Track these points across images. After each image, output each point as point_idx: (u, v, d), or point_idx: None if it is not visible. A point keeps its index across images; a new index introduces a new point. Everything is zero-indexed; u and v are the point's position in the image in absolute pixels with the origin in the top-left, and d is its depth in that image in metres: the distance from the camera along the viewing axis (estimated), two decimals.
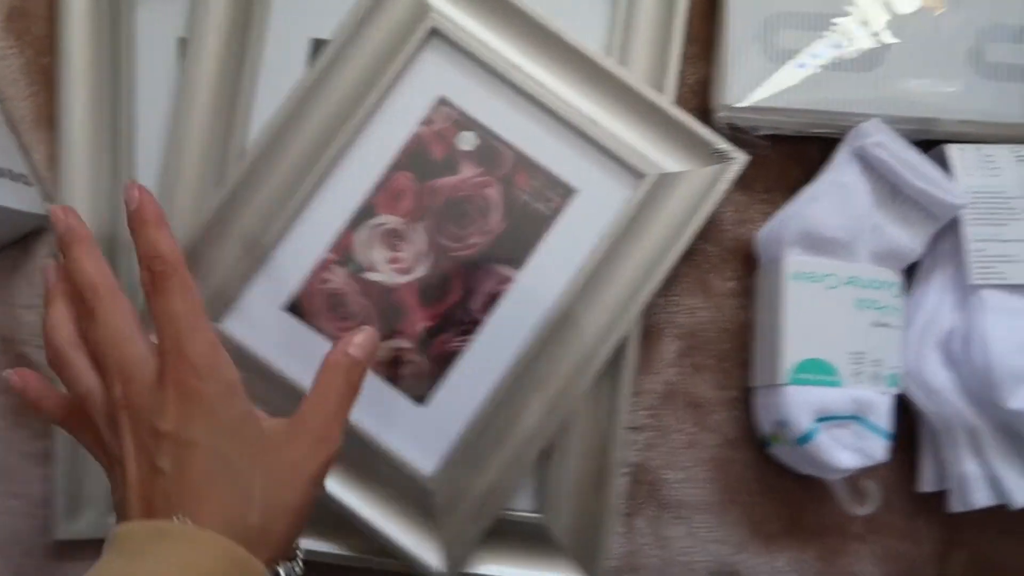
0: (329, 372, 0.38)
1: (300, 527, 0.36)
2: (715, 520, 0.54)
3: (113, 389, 0.35)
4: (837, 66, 0.53)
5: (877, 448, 0.50)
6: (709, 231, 0.55)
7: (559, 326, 0.51)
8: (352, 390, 0.38)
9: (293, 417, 0.37)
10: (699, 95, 0.56)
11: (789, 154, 0.55)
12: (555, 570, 0.53)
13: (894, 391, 0.51)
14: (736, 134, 0.54)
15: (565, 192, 0.52)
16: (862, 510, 0.50)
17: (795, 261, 0.51)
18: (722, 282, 0.55)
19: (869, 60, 0.53)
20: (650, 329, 0.55)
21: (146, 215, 0.37)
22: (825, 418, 0.49)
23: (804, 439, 0.49)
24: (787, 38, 0.53)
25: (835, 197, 0.51)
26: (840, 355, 0.50)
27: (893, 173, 0.50)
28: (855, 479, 0.51)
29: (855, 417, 0.50)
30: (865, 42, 0.53)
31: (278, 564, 0.35)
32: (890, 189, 0.51)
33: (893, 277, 0.52)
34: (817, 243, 0.51)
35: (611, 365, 0.53)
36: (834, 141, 0.55)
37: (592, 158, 0.52)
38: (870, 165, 0.51)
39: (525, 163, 0.52)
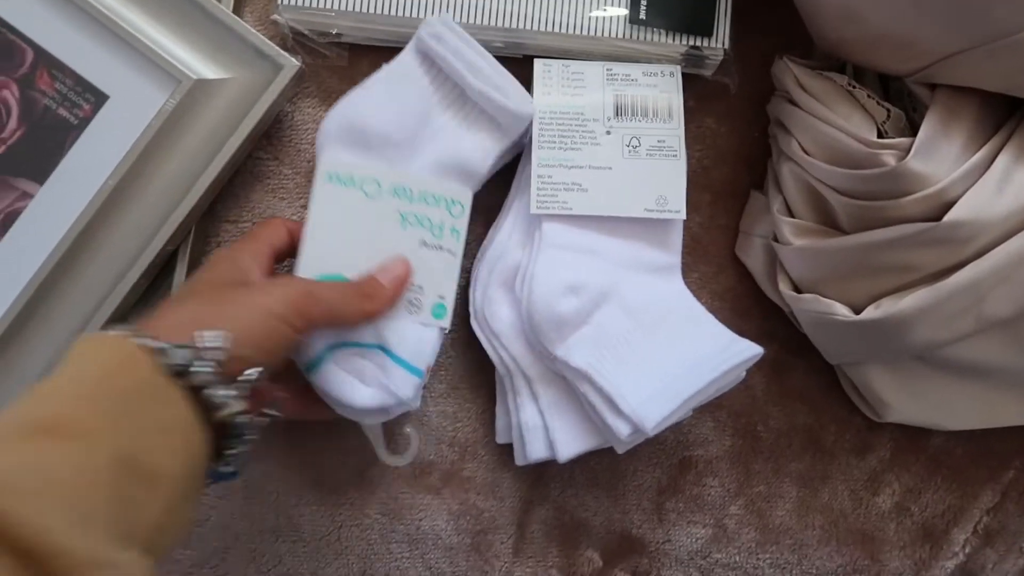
0: (358, 286, 0.41)
1: (255, 351, 0.35)
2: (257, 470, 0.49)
3: None
4: None
5: (404, 385, 0.42)
6: (283, 151, 0.50)
7: (82, 250, 0.45)
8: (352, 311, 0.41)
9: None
10: None
11: (375, 61, 0.49)
12: None
13: (439, 323, 0.44)
14: (302, 40, 0.48)
15: (96, 98, 0.46)
16: (398, 460, 0.45)
17: (330, 160, 0.43)
18: (297, 210, 0.50)
19: None
20: None
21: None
22: (342, 344, 0.42)
23: (312, 366, 0.42)
24: None
25: (388, 87, 0.44)
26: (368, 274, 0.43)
27: (453, 71, 0.44)
28: (393, 425, 0.46)
29: (380, 347, 0.43)
30: None
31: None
32: (459, 92, 0.45)
33: (457, 195, 0.45)
34: (364, 139, 0.43)
35: (152, 301, 0.48)
36: None
37: (126, 61, 0.46)
38: (434, 62, 0.45)
39: (48, 62, 0.46)
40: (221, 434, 0.34)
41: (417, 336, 0.43)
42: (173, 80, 0.46)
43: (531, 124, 0.46)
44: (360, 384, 0.42)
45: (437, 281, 0.44)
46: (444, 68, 0.45)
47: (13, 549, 0.25)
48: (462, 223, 0.45)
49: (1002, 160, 0.38)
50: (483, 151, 0.45)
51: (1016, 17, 0.35)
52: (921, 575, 0.49)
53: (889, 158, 0.38)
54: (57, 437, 0.29)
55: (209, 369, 0.33)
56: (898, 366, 0.44)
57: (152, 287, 0.48)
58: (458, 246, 0.45)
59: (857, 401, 0.47)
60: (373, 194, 0.44)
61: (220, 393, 0.33)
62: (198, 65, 0.46)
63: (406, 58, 0.45)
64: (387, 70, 0.45)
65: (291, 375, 0.42)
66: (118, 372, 0.31)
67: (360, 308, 0.41)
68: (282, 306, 0.37)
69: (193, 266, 0.48)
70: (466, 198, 0.45)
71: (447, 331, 0.45)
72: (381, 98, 0.44)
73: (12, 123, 0.46)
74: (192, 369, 0.32)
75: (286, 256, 0.43)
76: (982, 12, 0.36)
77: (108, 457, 0.29)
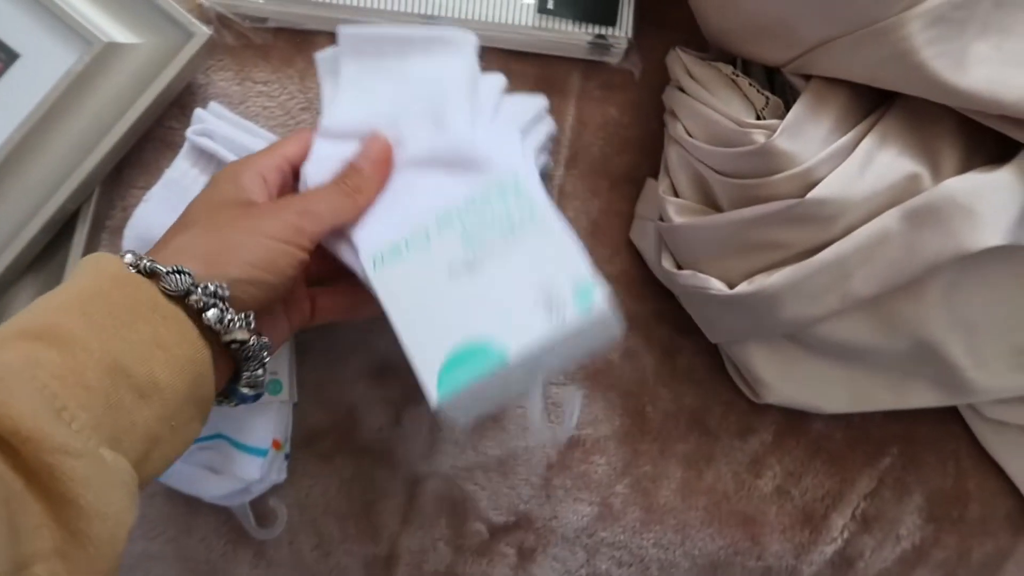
0: (342, 184, 0.39)
1: (262, 273, 0.36)
2: None
3: None
4: None
5: (249, 468, 0.43)
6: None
7: None
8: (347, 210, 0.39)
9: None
10: None
11: (297, 44, 0.51)
12: None
13: (277, 399, 0.45)
14: (227, 22, 0.49)
15: (6, 56, 0.47)
16: (267, 534, 0.46)
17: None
18: None
19: None
20: (116, 226, 0.50)
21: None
22: None
23: None
24: None
25: (167, 195, 0.46)
26: None
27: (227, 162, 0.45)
28: (265, 498, 0.47)
29: (220, 436, 0.44)
30: None
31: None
32: None
33: None
34: None
35: (52, 260, 0.48)
36: None
37: (38, 21, 0.47)
38: (212, 156, 0.46)
39: None
40: (236, 357, 0.36)
41: (252, 419, 0.44)
42: (84, 42, 0.47)
43: None
44: (211, 474, 0.44)
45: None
46: (219, 159, 0.45)
47: None
48: None
49: (866, 144, 0.40)
50: None
51: (876, 7, 0.38)
52: (801, 559, 0.50)
53: (759, 136, 0.40)
54: (46, 341, 0.30)
55: (209, 296, 0.34)
56: (776, 347, 0.46)
57: (52, 245, 0.48)
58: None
59: (739, 382, 0.49)
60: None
61: (223, 319, 0.34)
62: (110, 28, 0.47)
63: (181, 159, 0.46)
64: (165, 177, 0.46)
65: (336, 277, 0.42)
66: (112, 288, 0.33)
67: (354, 206, 0.39)
68: (283, 230, 0.36)
69: (95, 226, 0.49)
70: None
71: (294, 402, 0.46)
72: (161, 207, 0.46)
73: None
74: (192, 296, 0.33)
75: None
76: (844, 1, 0.38)
77: (96, 363, 0.30)
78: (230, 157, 0.45)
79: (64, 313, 0.31)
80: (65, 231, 0.48)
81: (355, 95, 0.41)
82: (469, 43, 0.41)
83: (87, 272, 0.33)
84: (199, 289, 0.33)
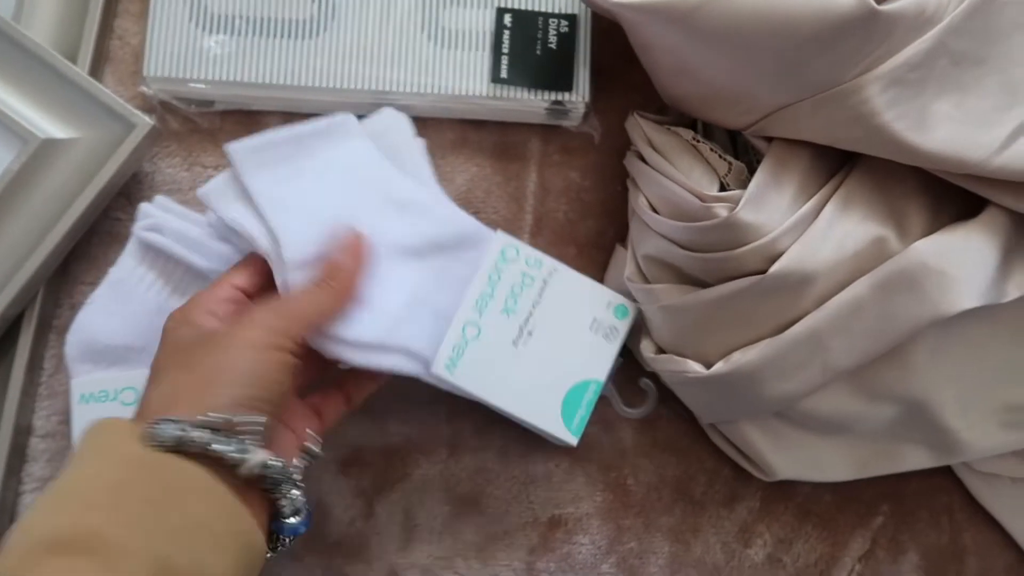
0: (324, 282, 0.37)
1: (257, 389, 0.33)
2: None
3: None
4: (276, 32, 0.47)
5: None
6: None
7: None
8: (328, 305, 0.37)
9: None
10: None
11: (245, 125, 0.50)
12: None
13: None
14: (171, 108, 0.48)
15: None
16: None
17: (79, 383, 0.43)
18: None
19: (312, 26, 0.48)
20: (64, 326, 0.48)
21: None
22: None
23: None
24: (217, 1, 0.47)
25: (112, 295, 0.44)
26: None
27: (180, 258, 0.43)
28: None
29: None
30: (307, 5, 0.48)
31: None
32: (191, 274, 0.44)
33: None
34: (105, 354, 0.43)
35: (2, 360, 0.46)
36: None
37: None
38: (160, 251, 0.44)
39: None
40: (267, 491, 0.33)
41: None
42: (20, 140, 0.45)
43: None
44: None
45: None
46: (171, 255, 0.44)
47: None
48: None
49: (828, 211, 0.39)
50: None
51: (833, 72, 0.37)
52: None
53: (721, 210, 0.39)
54: (81, 552, 0.27)
55: (206, 431, 0.31)
56: (767, 425, 0.44)
57: None
58: None
59: (742, 462, 0.47)
60: (129, 401, 0.43)
61: (230, 449, 0.31)
62: (47, 125, 0.45)
63: (126, 261, 0.45)
64: (109, 277, 0.45)
65: (325, 371, 0.41)
66: (138, 474, 0.30)
67: (338, 302, 0.37)
68: (267, 335, 0.34)
69: (41, 329, 0.47)
70: None
71: None
72: (107, 310, 0.44)
73: None
74: (192, 438, 0.31)
75: (259, 289, 0.39)
76: (800, 67, 0.37)
77: (140, 567, 0.28)
78: (181, 252, 0.43)
79: (93, 512, 0.29)
80: (9, 335, 0.46)
81: (291, 211, 0.39)
82: (353, 125, 0.42)
83: (101, 453, 0.31)
84: (193, 430, 0.31)
